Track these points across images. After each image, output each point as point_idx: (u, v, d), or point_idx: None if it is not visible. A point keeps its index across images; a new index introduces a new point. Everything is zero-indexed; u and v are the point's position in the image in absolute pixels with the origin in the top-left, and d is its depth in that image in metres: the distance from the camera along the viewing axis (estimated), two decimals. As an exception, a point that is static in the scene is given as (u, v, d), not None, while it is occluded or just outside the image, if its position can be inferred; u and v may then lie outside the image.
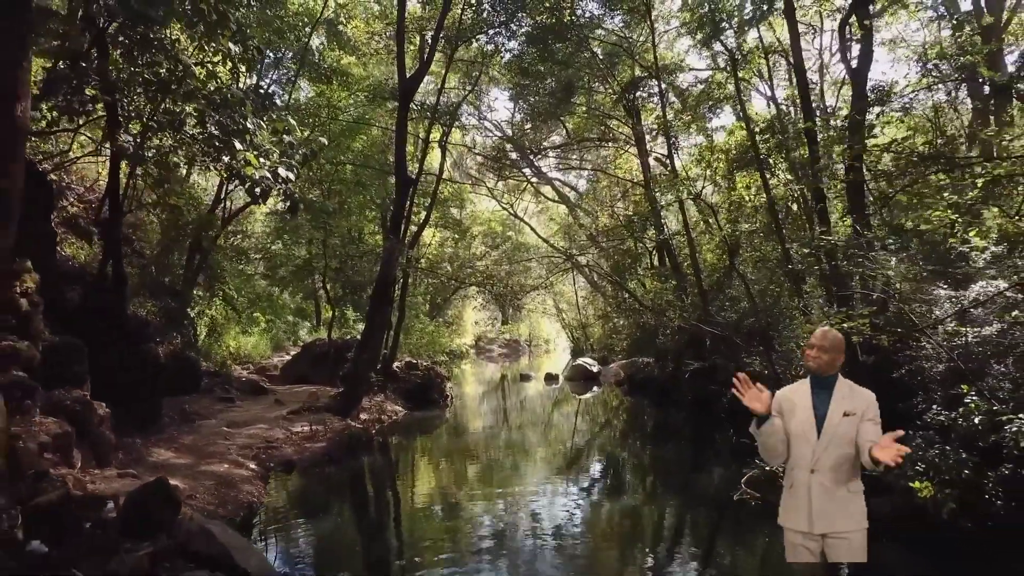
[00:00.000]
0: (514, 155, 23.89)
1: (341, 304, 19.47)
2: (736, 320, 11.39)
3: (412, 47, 15.10)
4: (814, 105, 14.54)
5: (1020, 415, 5.15)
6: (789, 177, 8.45)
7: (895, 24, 16.85)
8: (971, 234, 5.88)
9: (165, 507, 4.52)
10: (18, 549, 3.27)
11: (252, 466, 8.21)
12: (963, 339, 6.08)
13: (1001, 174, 4.99)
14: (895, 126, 11.58)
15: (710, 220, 12.05)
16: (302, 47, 11.65)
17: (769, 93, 17.33)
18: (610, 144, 21.84)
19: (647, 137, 17.47)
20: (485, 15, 13.46)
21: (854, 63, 11.11)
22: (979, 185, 5.17)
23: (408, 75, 12.05)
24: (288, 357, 17.77)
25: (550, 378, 23.02)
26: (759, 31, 14.19)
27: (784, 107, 16.19)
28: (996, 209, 6.27)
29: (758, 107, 19.76)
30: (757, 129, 9.36)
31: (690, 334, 13.07)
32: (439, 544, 6.10)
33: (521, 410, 17.67)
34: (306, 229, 15.45)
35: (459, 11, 12.99)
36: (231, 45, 5.81)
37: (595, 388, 20.72)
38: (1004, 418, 5.18)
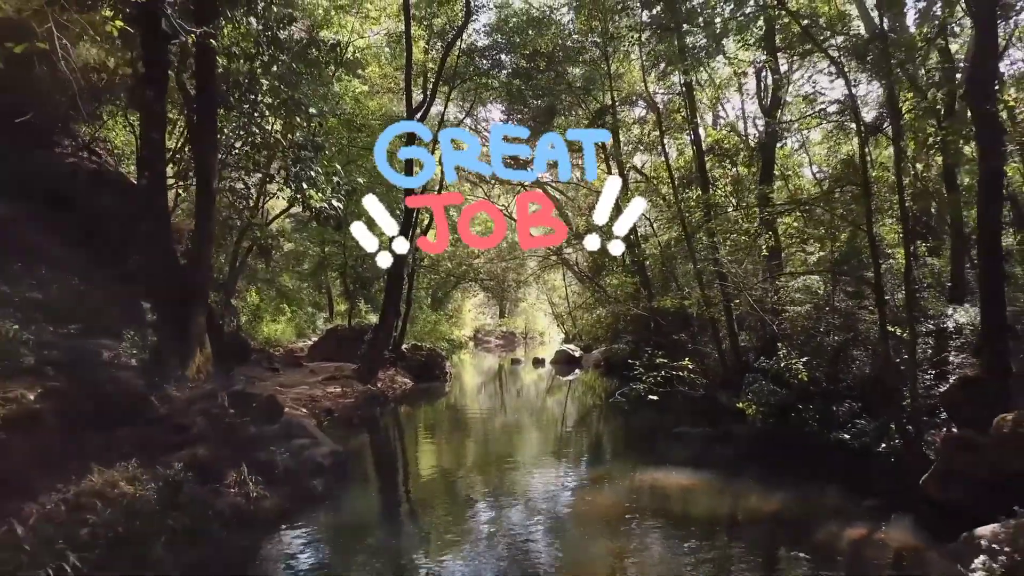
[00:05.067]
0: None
1: (355, 297, 22.54)
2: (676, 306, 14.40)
3: (417, 78, 18.04)
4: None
5: (803, 359, 8.23)
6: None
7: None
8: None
9: (275, 410, 7.61)
10: (224, 411, 6.34)
11: (303, 411, 11.32)
12: (786, 314, 9.16)
13: (777, 211, 8.02)
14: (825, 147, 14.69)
15: (655, 225, 15.13)
16: (327, 86, 14.60)
17: (724, 114, 20.47)
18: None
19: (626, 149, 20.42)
20: (476, 58, 16.51)
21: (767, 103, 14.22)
22: (760, 218, 8.20)
23: (414, 107, 15.11)
24: (309, 343, 20.82)
25: (538, 362, 26.03)
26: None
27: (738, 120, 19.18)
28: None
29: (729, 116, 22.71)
30: (677, 165, 12.42)
31: (643, 320, 16.10)
32: (433, 456, 9.25)
33: (507, 385, 20.75)
34: (328, 232, 18.42)
35: (456, 56, 15.97)
36: (301, 120, 8.87)
37: (577, 371, 23.70)
38: (793, 363, 8.25)
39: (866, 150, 7.39)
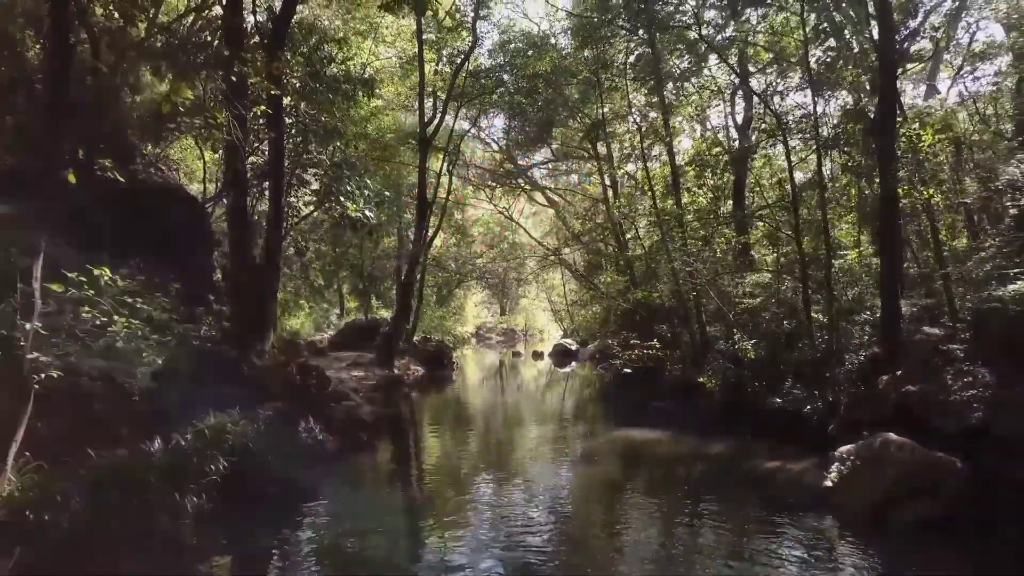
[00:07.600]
0: (510, 166, 28.54)
1: (368, 293, 24.46)
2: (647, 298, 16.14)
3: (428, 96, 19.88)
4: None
5: (751, 340, 10.07)
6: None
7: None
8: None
9: (324, 379, 9.48)
10: (293, 377, 8.22)
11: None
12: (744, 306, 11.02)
13: (728, 221, 9.88)
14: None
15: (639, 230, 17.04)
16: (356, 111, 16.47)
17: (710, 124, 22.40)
18: (586, 162, 26.64)
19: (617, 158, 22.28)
20: (482, 78, 18.41)
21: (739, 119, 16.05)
22: (726, 223, 10.05)
23: (426, 123, 16.98)
24: (326, 336, 22.69)
25: (537, 356, 27.89)
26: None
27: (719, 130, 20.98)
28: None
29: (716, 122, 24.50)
30: (664, 174, 14.32)
31: (631, 313, 17.93)
32: (449, 421, 11.14)
33: (509, 374, 22.65)
34: (348, 235, 20.28)
35: (463, 78, 17.81)
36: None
37: (573, 363, 25.53)
38: (743, 344, 10.10)
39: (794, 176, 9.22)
